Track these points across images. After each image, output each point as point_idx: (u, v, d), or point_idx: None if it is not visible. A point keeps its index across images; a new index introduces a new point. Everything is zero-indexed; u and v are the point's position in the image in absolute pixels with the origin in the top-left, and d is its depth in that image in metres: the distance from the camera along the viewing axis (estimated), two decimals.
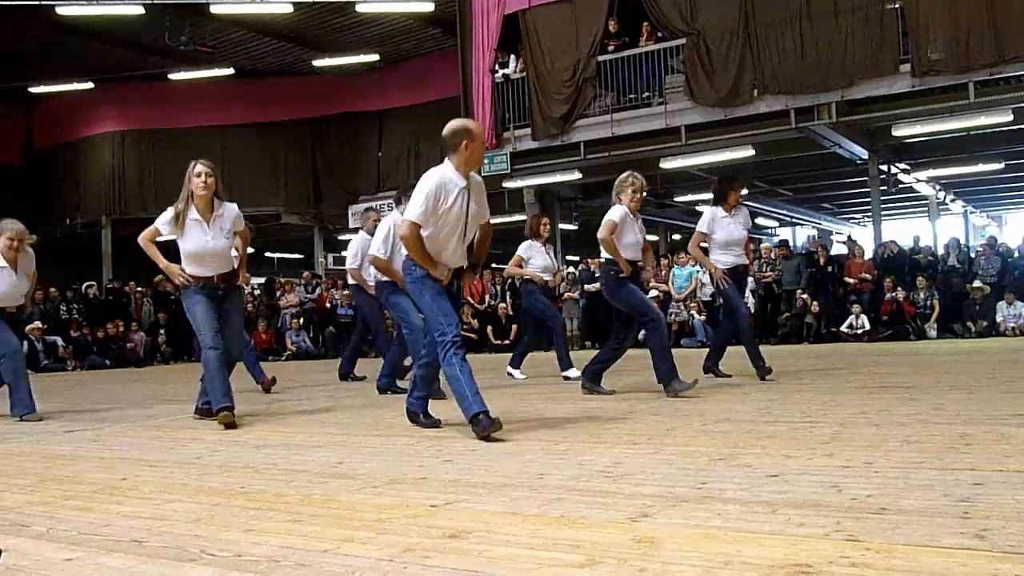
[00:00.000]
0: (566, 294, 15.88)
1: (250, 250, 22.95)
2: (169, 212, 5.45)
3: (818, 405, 5.07)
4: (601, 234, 6.14)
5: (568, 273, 16.64)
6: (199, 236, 5.43)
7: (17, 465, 4.21)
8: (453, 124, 4.60)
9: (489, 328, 16.32)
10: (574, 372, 7.83)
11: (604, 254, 6.21)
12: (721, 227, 7.02)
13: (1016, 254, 14.50)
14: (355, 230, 18.71)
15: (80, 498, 3.22)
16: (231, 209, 5.60)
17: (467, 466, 3.49)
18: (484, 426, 4.18)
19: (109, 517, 2.83)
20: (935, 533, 2.12)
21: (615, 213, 6.14)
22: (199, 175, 5.42)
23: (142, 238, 5.52)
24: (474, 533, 2.37)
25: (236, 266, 5.78)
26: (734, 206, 7.09)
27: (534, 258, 8.30)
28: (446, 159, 4.58)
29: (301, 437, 4.76)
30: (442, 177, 4.50)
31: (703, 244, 7.14)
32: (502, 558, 2.12)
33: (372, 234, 8.09)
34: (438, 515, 2.62)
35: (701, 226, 7.12)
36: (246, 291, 19.27)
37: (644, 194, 6.34)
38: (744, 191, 17.69)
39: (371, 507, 2.80)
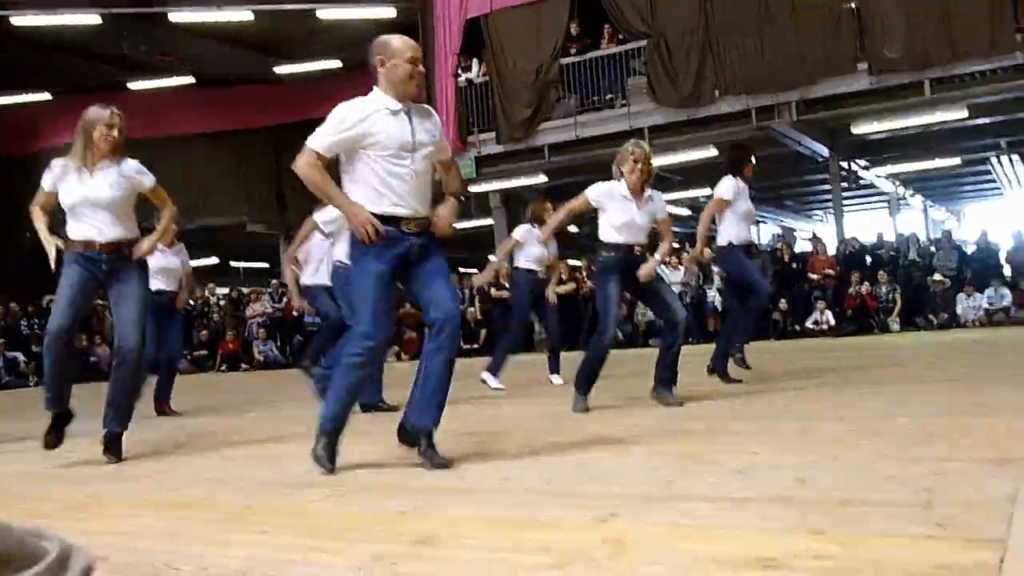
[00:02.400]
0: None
1: (214, 260, 22.56)
2: (56, 164, 4.59)
3: (785, 401, 5.12)
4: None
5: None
6: (77, 185, 4.48)
7: None
8: (372, 44, 3.74)
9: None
10: (493, 381, 7.42)
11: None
12: (743, 198, 6.34)
13: (973, 247, 14.75)
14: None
15: (44, 516, 3.17)
16: (131, 163, 4.68)
17: (436, 472, 3.47)
18: (319, 459, 3.58)
19: (73, 534, 2.78)
20: (898, 524, 2.15)
21: (590, 191, 5.28)
22: (110, 126, 4.56)
23: (32, 206, 4.61)
24: (443, 538, 2.36)
25: (137, 237, 4.67)
26: (749, 179, 6.45)
27: (529, 245, 7.51)
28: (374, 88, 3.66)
29: (271, 447, 4.72)
30: (362, 102, 3.58)
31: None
32: (471, 562, 2.12)
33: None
34: (407, 521, 2.61)
35: (725, 193, 6.28)
36: (212, 300, 19.14)
37: (651, 166, 5.36)
38: (707, 190, 17.87)
39: (340, 516, 2.78)
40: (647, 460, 3.40)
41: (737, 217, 6.37)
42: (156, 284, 7.05)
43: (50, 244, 4.49)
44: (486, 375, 7.59)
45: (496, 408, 5.95)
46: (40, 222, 4.61)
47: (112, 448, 4.50)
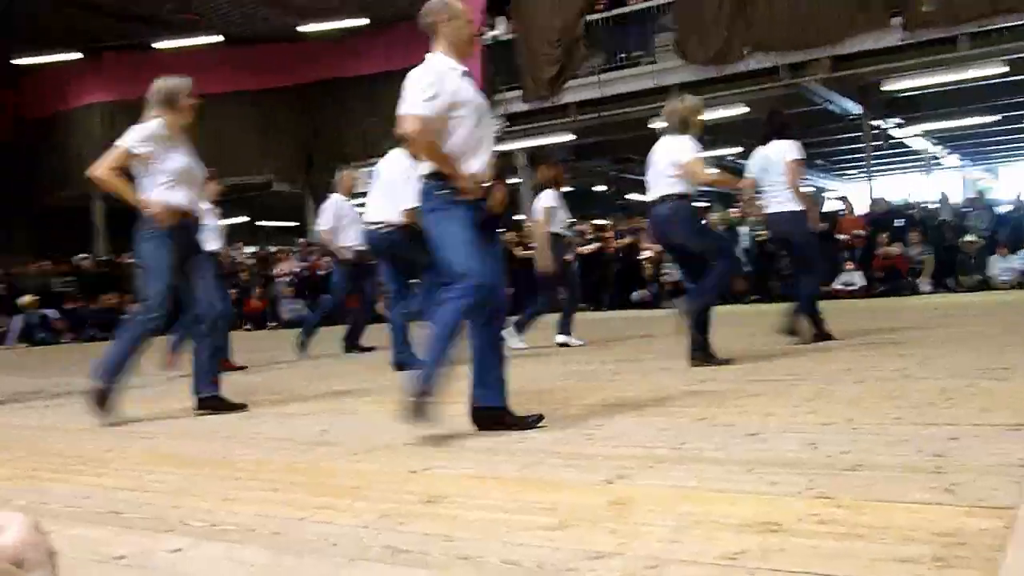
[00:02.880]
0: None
1: (244, 219, 22.73)
2: (147, 128, 4.43)
3: (805, 362, 5.09)
4: (697, 173, 5.33)
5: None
6: (176, 154, 4.52)
7: (9, 437, 4.23)
8: (429, 4, 3.66)
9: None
10: (516, 340, 7.23)
11: (672, 189, 5.33)
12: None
13: (1010, 207, 14.46)
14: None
15: (66, 471, 3.24)
16: None
17: (449, 431, 3.49)
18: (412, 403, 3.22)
19: (92, 489, 2.84)
20: (906, 488, 2.13)
21: (690, 148, 5.30)
22: (191, 94, 4.70)
23: (103, 168, 4.35)
24: (450, 497, 2.38)
25: None
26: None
27: (560, 209, 7.46)
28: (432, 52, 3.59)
29: (292, 406, 4.76)
30: (436, 65, 3.49)
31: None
32: (476, 521, 2.13)
33: (348, 195, 8.10)
34: (416, 480, 2.63)
35: (793, 153, 6.10)
36: (239, 259, 19.28)
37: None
38: (739, 148, 17.64)
39: (351, 474, 2.81)
40: (661, 422, 3.39)
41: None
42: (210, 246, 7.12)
43: (156, 206, 4.37)
44: (511, 334, 7.31)
45: (519, 367, 5.94)
46: (124, 185, 4.42)
47: (207, 404, 4.55)
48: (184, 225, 4.49)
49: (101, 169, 4.35)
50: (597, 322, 10.78)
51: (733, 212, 14.28)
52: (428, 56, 3.55)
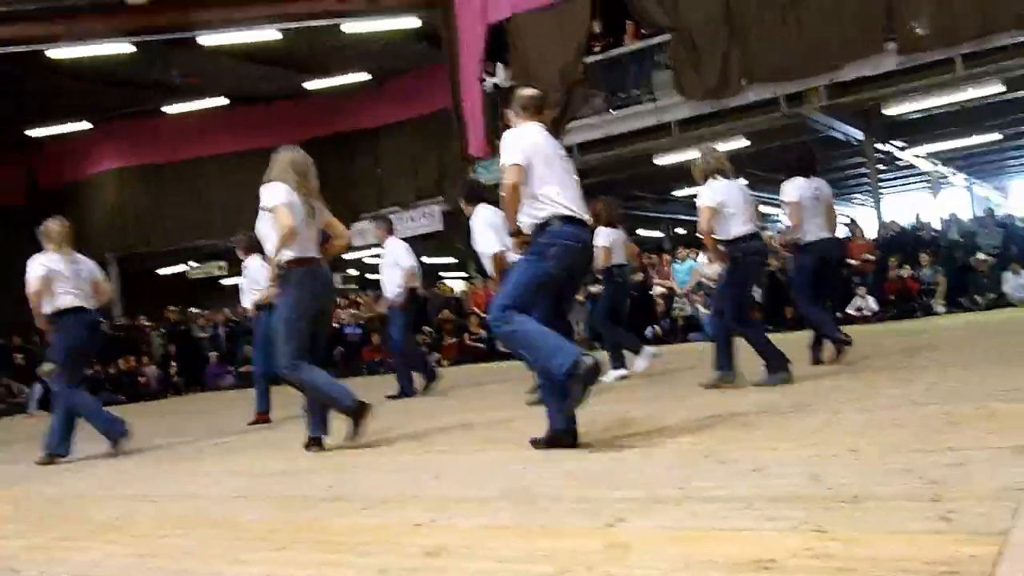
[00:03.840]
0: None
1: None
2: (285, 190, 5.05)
3: (812, 391, 5.07)
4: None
5: None
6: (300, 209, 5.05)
7: (22, 508, 4.26)
8: (526, 91, 4.40)
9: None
10: (617, 373, 7.61)
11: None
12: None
13: (1018, 223, 14.41)
14: (359, 248, 18.66)
15: (77, 538, 3.26)
16: None
17: (455, 481, 3.51)
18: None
19: (102, 556, 2.87)
20: (902, 519, 2.13)
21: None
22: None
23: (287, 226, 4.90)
24: (452, 550, 2.39)
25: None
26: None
27: (617, 247, 7.79)
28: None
29: (301, 462, 4.78)
30: (529, 129, 4.15)
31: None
32: (476, 572, 2.15)
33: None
34: (419, 533, 2.64)
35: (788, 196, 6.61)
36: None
37: None
38: (744, 181, 17.70)
39: (356, 529, 2.82)
40: (666, 459, 3.40)
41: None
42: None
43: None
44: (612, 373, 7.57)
45: (537, 412, 5.95)
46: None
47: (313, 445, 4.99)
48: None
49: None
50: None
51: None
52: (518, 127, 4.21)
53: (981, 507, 2.14)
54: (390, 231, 8.95)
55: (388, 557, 2.38)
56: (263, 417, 7.82)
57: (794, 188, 6.50)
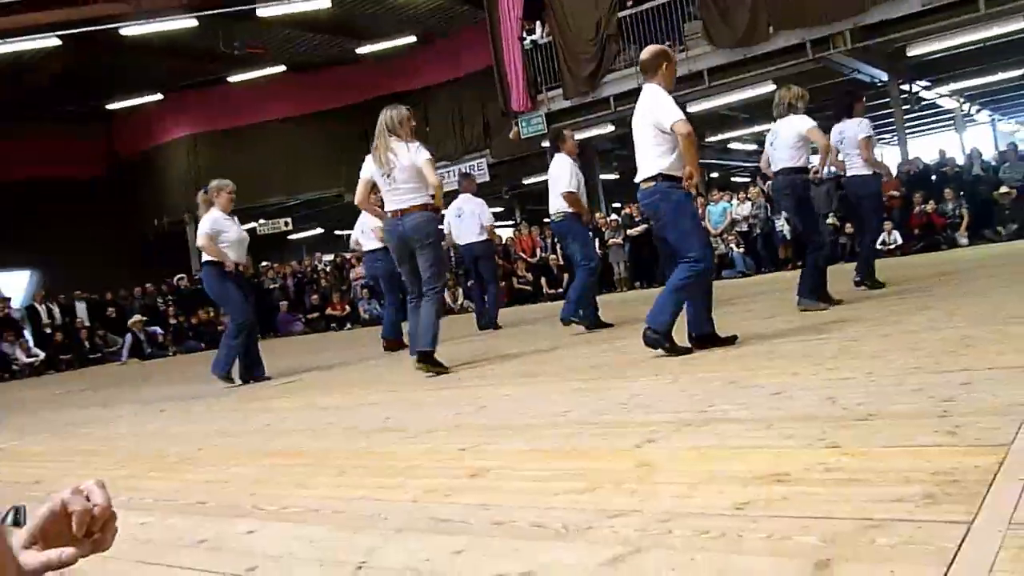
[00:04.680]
0: (610, 240, 15.76)
1: (320, 230, 23.27)
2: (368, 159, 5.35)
3: (837, 321, 5.00)
4: (823, 140, 6.06)
5: (611, 220, 16.50)
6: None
7: (114, 445, 4.42)
8: (651, 49, 4.63)
9: (543, 279, 16.35)
10: None
11: (783, 165, 6.06)
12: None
13: None
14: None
15: (161, 469, 3.39)
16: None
17: (499, 411, 3.55)
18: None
19: (182, 484, 2.98)
20: (912, 433, 2.12)
21: (807, 122, 5.99)
22: (407, 118, 5.39)
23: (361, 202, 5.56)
24: (493, 471, 2.44)
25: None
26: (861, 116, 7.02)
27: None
28: (645, 84, 4.56)
29: (363, 397, 4.88)
30: (662, 91, 4.48)
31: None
32: (513, 491, 2.19)
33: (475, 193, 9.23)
34: (464, 457, 2.69)
35: (869, 131, 6.93)
36: (319, 267, 19.68)
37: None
38: (771, 125, 17.30)
39: (407, 455, 2.88)
40: (693, 387, 3.40)
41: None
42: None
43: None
44: None
45: (572, 348, 5.98)
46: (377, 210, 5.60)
47: (424, 360, 5.24)
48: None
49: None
50: (648, 297, 10.71)
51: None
52: (650, 86, 4.51)
53: (986, 422, 2.11)
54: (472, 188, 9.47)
55: (435, 479, 2.43)
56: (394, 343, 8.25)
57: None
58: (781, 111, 6.16)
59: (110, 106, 21.42)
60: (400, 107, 5.41)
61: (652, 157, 4.47)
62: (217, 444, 3.85)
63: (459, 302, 15.74)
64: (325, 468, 2.88)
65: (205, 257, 6.76)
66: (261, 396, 5.84)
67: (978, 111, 21.57)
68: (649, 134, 4.47)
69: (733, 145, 22.09)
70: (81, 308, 18.26)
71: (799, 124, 5.98)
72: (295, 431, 3.91)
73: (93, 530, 0.98)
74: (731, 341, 4.52)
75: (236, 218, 6.95)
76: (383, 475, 2.62)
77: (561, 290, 15.34)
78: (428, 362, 5.22)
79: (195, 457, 3.56)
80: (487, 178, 19.53)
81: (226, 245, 6.68)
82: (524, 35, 16.10)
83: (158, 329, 17.33)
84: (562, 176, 7.04)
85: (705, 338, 4.53)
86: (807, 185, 6.13)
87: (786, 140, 6.04)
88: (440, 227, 5.50)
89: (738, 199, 15.21)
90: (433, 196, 5.30)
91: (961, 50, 14.19)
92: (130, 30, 16.78)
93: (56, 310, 17.93)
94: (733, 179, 25.08)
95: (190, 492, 2.79)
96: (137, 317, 16.97)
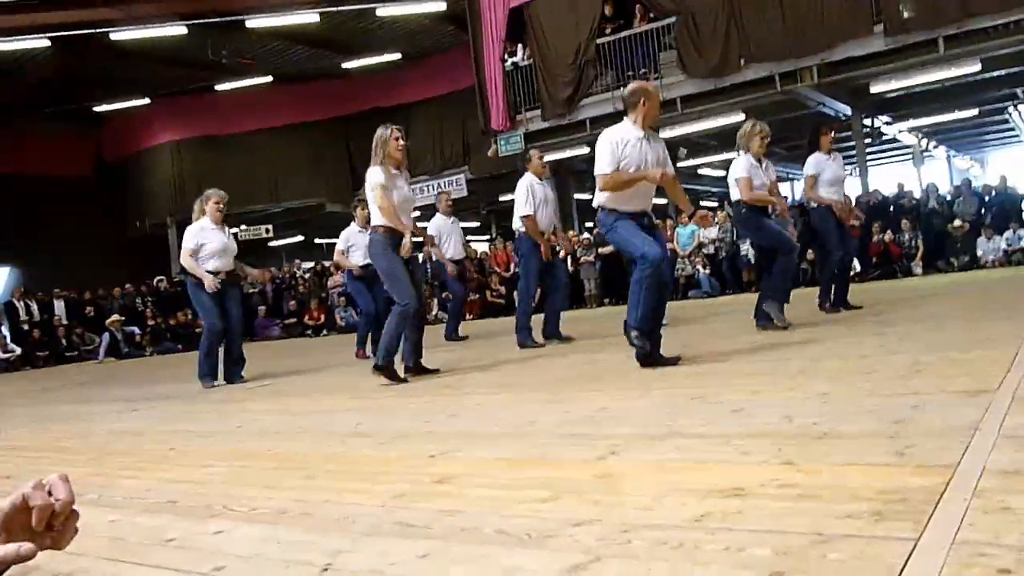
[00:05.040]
0: (582, 258, 15.82)
1: (300, 238, 23.12)
2: (378, 170, 5.29)
3: (798, 343, 5.05)
4: (742, 193, 6.06)
5: (584, 238, 16.57)
6: (402, 190, 5.40)
7: (86, 442, 4.35)
8: (632, 85, 4.82)
9: (515, 294, 16.34)
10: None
11: (738, 196, 6.14)
12: (827, 168, 6.94)
13: (993, 192, 14.19)
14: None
15: (132, 468, 3.33)
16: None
17: (470, 420, 3.54)
18: (641, 348, 4.54)
19: (153, 483, 2.93)
20: (863, 453, 2.14)
21: (741, 167, 6.06)
22: (396, 138, 5.31)
23: (386, 210, 5.27)
24: (460, 477, 2.42)
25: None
26: (830, 149, 7.01)
27: None
28: (624, 118, 4.73)
29: (336, 403, 4.85)
30: (618, 131, 4.66)
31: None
32: (479, 498, 2.18)
33: (447, 214, 9.22)
34: (433, 464, 2.68)
35: (809, 170, 6.96)
36: (299, 273, 19.56)
37: (769, 138, 6.25)
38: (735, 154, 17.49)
39: (376, 460, 2.86)
40: (659, 402, 3.41)
41: (825, 185, 6.91)
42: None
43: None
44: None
45: (545, 360, 5.98)
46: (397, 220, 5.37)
47: (375, 369, 5.38)
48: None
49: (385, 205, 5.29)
50: (618, 313, 10.76)
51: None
52: (619, 124, 4.72)
53: (934, 444, 2.14)
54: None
55: (402, 484, 2.42)
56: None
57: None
58: (738, 147, 6.32)
59: (98, 108, 21.19)
60: (382, 127, 5.41)
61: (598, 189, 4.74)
62: (190, 444, 3.79)
63: (434, 313, 15.70)
64: (295, 471, 2.85)
65: None
66: (235, 398, 5.78)
67: (935, 147, 21.95)
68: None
69: (703, 171, 22.28)
70: (59, 306, 17.98)
71: (734, 166, 6.19)
72: (267, 433, 3.87)
73: (54, 524, 0.96)
74: (674, 361, 4.58)
75: (227, 226, 6.87)
76: (352, 479, 2.60)
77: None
78: (378, 371, 5.31)
79: (167, 456, 3.51)
80: (465, 193, 19.56)
81: (208, 254, 6.64)
82: (506, 57, 16.17)
83: (136, 329, 17.11)
84: (518, 197, 7.12)
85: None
86: (752, 211, 6.12)
87: (731, 176, 6.23)
88: (382, 246, 5.40)
89: (704, 223, 15.32)
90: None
91: (921, 89, 14.46)
92: (121, 35, 16.65)
93: (35, 307, 17.65)
94: (702, 203, 25.30)
95: (161, 491, 2.75)
96: (115, 316, 16.74)
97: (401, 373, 5.39)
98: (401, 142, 5.34)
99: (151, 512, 2.47)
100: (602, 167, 4.61)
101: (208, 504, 2.47)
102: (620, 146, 4.61)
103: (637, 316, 4.56)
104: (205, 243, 6.65)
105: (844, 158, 23.40)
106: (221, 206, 6.78)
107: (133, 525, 2.33)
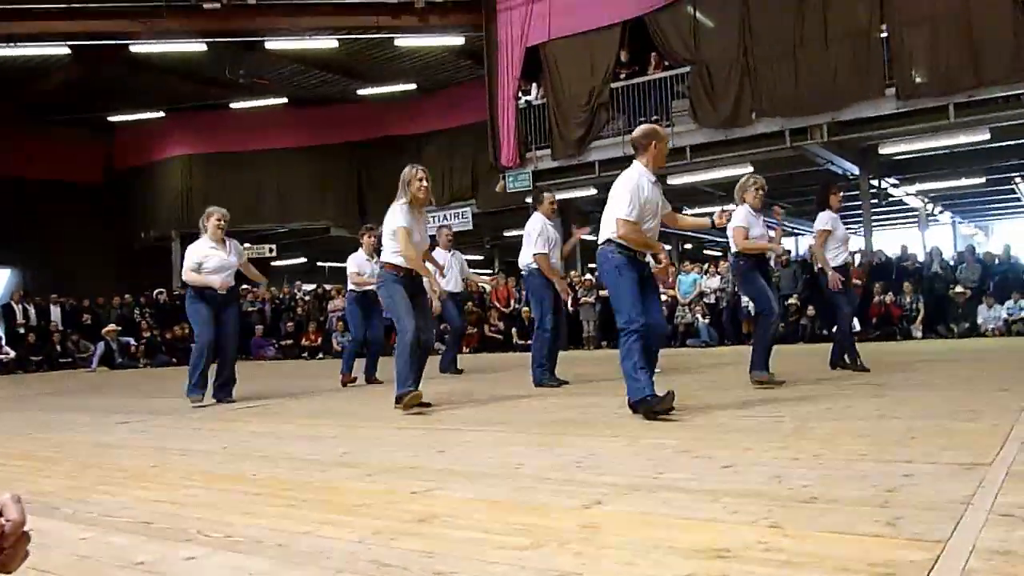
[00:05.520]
0: (583, 299, 15.79)
1: (303, 259, 23.07)
2: (403, 210, 5.39)
3: (793, 401, 5.00)
4: (736, 243, 6.11)
5: (585, 279, 16.55)
6: (418, 230, 5.47)
7: (68, 453, 4.29)
8: (643, 128, 4.87)
9: (514, 330, 16.31)
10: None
11: (734, 247, 6.16)
12: (838, 226, 6.97)
13: (996, 261, 14.20)
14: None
15: (111, 483, 3.28)
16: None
17: (456, 456, 3.50)
18: (652, 404, 4.35)
19: (130, 501, 2.88)
20: (853, 521, 2.10)
21: (739, 217, 6.09)
22: (420, 179, 5.39)
23: (412, 260, 5.39)
24: (441, 518, 2.38)
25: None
26: (838, 208, 7.05)
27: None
28: (635, 160, 4.78)
29: (325, 429, 4.79)
30: (635, 176, 4.68)
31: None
32: (458, 541, 2.13)
33: (446, 248, 9.13)
34: (416, 501, 2.63)
35: (824, 225, 6.91)
36: (298, 295, 19.54)
37: (765, 191, 6.26)
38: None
39: (358, 493, 2.82)
40: (648, 451, 3.37)
41: (836, 242, 6.92)
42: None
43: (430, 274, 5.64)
44: None
45: (538, 401, 5.93)
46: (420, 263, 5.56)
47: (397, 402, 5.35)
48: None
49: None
50: (615, 356, 10.70)
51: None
52: (634, 166, 4.75)
53: (925, 516, 2.10)
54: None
55: (382, 520, 2.37)
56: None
57: None
58: (737, 199, 6.36)
59: (112, 118, 21.31)
60: (409, 167, 5.52)
61: (606, 222, 4.73)
62: (172, 463, 3.74)
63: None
64: (275, 498, 2.80)
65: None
66: (223, 417, 5.73)
67: (941, 212, 22.04)
68: (611, 204, 4.73)
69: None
70: (55, 312, 17.94)
71: (733, 217, 6.14)
72: (251, 456, 3.82)
73: (4, 547, 0.92)
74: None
75: (229, 242, 6.84)
76: (332, 511, 2.56)
77: (531, 342, 15.31)
78: (398, 402, 5.30)
79: (147, 474, 3.46)
80: (470, 226, 19.58)
81: (207, 272, 6.63)
82: (520, 94, 16.29)
83: (131, 340, 17.03)
84: (531, 234, 7.13)
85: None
86: (748, 264, 6.11)
87: (729, 226, 6.20)
88: (388, 282, 5.50)
89: (708, 272, 15.34)
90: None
91: (929, 153, 14.56)
92: (140, 48, 16.80)
93: (32, 311, 17.60)
94: (706, 251, 25.35)
95: (137, 510, 2.70)
96: (112, 326, 16.68)
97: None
98: (425, 183, 5.41)
99: (124, 532, 2.43)
100: (626, 211, 4.60)
101: (183, 528, 2.42)
102: (640, 192, 4.64)
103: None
104: (204, 261, 6.65)
105: (850, 217, 23.48)
106: (222, 223, 6.78)
107: (104, 544, 2.29)
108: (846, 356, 6.99)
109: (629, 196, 4.60)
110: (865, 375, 6.54)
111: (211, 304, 6.66)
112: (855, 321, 13.33)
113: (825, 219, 6.96)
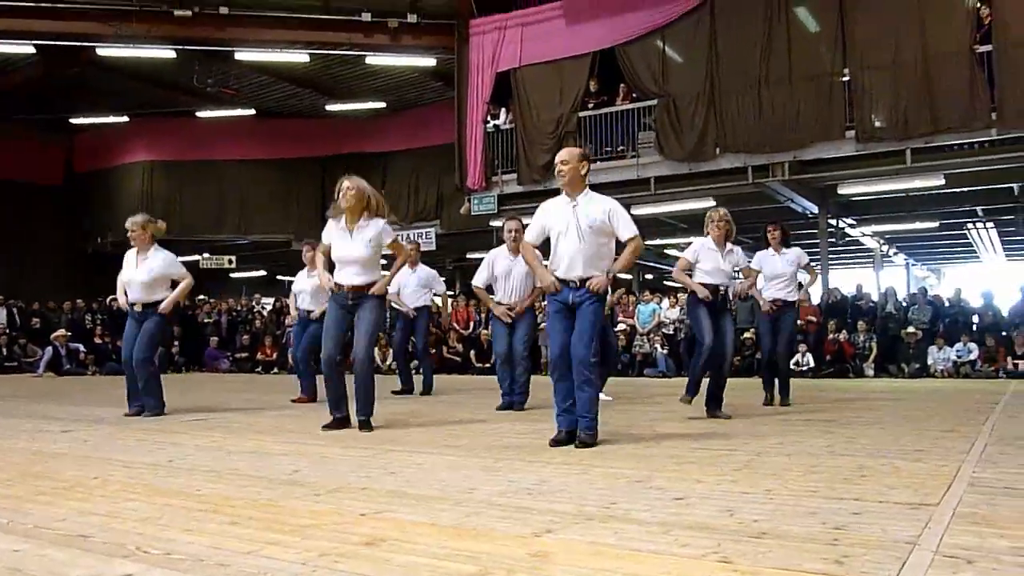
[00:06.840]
0: (542, 324, 15.76)
1: (263, 272, 22.80)
2: (330, 224, 5.48)
3: (744, 433, 5.03)
4: (674, 271, 6.39)
5: (545, 304, 16.56)
6: (342, 243, 5.38)
7: (6, 461, 4.15)
8: (576, 150, 5.01)
9: (472, 352, 16.24)
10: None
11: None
12: (768, 264, 7.22)
13: (947, 303, 14.53)
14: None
15: (49, 493, 3.18)
16: (376, 224, 5.43)
17: (408, 479, 3.45)
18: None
19: (68, 513, 2.79)
20: (801, 558, 2.10)
21: (689, 248, 6.28)
22: (345, 187, 5.40)
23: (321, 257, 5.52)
24: (388, 541, 2.34)
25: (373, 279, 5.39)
26: (779, 245, 7.26)
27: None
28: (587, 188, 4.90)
29: (274, 446, 4.70)
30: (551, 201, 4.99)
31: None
32: (404, 565, 2.09)
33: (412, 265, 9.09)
34: (363, 523, 2.58)
35: (753, 264, 7.16)
36: (256, 308, 19.27)
37: (727, 223, 6.21)
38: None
39: (306, 513, 2.76)
40: (600, 480, 3.35)
41: (763, 279, 7.25)
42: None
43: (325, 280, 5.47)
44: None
45: (494, 425, 5.90)
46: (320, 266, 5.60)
47: (365, 427, 5.32)
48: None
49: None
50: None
51: None
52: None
53: (873, 556, 2.11)
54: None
55: (328, 542, 2.32)
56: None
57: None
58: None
59: (75, 120, 20.94)
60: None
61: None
62: (114, 474, 3.63)
63: (388, 363, 15.49)
64: (219, 515, 2.73)
65: None
66: (170, 429, 5.60)
67: (895, 253, 22.50)
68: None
69: (670, 251, 22.56)
70: (2, 314, 17.47)
71: (688, 248, 6.35)
72: (197, 470, 3.73)
73: None
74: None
75: (156, 251, 6.52)
76: (277, 530, 2.49)
77: (490, 365, 15.24)
78: (365, 428, 5.34)
79: (89, 485, 3.36)
80: (433, 247, 19.53)
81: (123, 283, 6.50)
82: (488, 118, 16.36)
83: (81, 346, 16.62)
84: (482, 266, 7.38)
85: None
86: (695, 300, 6.13)
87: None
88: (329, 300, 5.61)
89: (668, 303, 15.45)
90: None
91: (886, 196, 14.88)
92: (107, 51, 16.57)
93: None
94: (666, 283, 25.55)
95: (74, 522, 2.61)
96: (61, 331, 16.28)
97: (354, 419, 5.41)
98: (351, 191, 5.38)
99: (59, 545, 2.34)
100: (635, 230, 4.83)
101: (122, 543, 2.34)
102: (543, 215, 4.86)
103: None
104: (122, 271, 6.48)
105: (810, 254, 23.66)
106: (131, 232, 6.46)
107: (38, 558, 2.20)
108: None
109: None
110: (815, 411, 6.61)
111: (132, 318, 6.50)
112: (809, 357, 13.57)
113: (755, 257, 7.34)
